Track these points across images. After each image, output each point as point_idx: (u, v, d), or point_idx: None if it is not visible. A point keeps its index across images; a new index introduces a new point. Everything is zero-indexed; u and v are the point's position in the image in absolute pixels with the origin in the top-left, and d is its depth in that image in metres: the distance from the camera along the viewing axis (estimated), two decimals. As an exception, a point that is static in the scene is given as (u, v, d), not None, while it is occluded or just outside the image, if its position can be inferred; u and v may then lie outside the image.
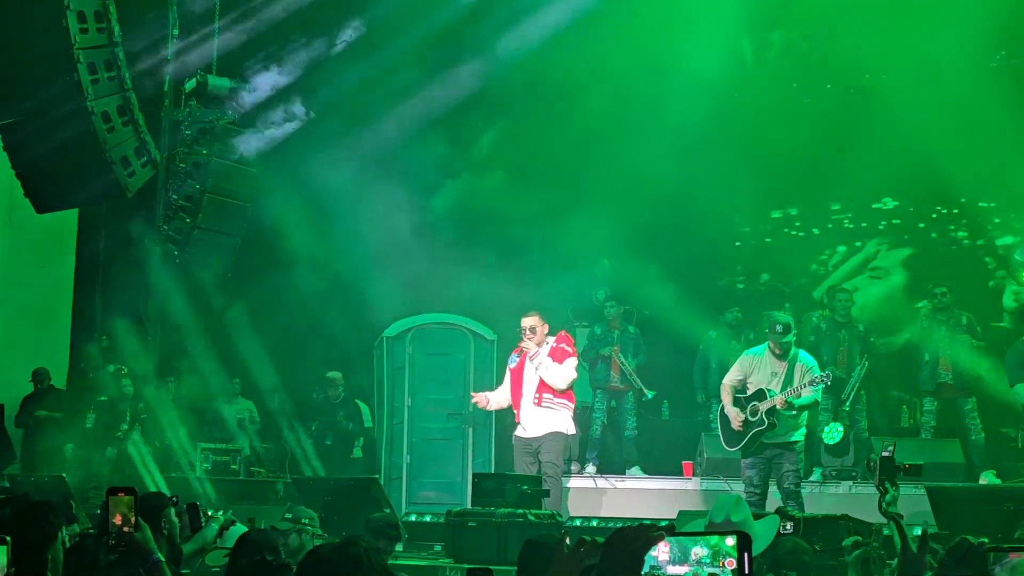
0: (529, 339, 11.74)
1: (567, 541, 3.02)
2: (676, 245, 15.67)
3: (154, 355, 15.21)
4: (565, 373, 11.66)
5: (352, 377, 15.85)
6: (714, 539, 2.71)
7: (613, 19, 15.39)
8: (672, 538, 2.74)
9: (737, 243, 17.07)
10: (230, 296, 15.63)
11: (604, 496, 13.81)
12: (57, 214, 14.71)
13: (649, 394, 14.73)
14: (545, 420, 11.68)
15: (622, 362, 14.63)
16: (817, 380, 11.23)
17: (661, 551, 2.73)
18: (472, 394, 12.60)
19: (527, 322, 11.84)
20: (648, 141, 14.57)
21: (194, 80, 14.45)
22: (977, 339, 13.61)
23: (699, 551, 2.69)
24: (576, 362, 11.92)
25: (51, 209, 13.98)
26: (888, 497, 6.83)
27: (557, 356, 11.69)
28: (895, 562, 6.40)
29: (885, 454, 7.09)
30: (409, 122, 15.53)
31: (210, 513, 8.02)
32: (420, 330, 15.53)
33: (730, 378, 11.83)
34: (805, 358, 11.54)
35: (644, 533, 2.76)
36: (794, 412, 11.30)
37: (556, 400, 11.67)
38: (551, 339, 11.83)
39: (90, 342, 15.50)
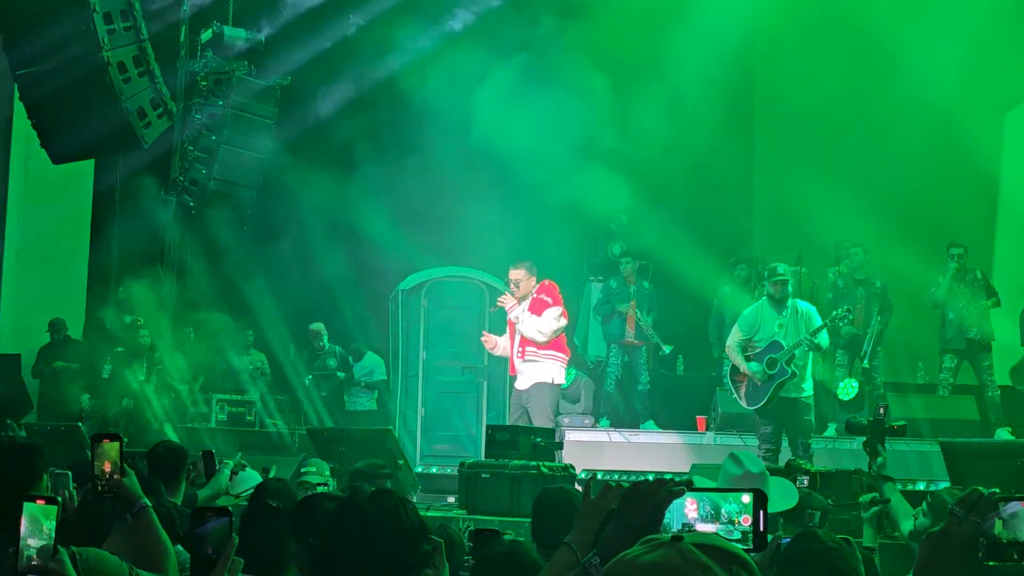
0: (513, 291, 11.64)
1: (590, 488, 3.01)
2: (692, 199, 15.61)
3: (170, 306, 15.24)
4: (543, 325, 11.40)
5: (368, 330, 15.90)
6: (732, 497, 2.68)
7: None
8: (701, 494, 2.71)
9: (753, 199, 17.00)
10: (245, 247, 15.64)
11: (617, 450, 13.82)
12: (73, 164, 14.70)
13: (667, 349, 14.73)
14: (530, 372, 11.59)
15: (639, 317, 14.61)
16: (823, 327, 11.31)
17: (690, 508, 2.70)
18: (484, 332, 12.48)
19: (513, 274, 11.67)
20: (666, 96, 14.49)
21: (210, 31, 14.39)
22: (991, 293, 13.69)
23: (730, 507, 2.66)
24: (559, 311, 11.52)
25: (67, 160, 13.97)
26: (880, 460, 6.83)
27: (536, 308, 11.50)
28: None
29: (878, 416, 7.09)
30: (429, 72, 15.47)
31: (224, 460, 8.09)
32: (435, 283, 15.54)
33: (734, 339, 11.80)
34: (804, 305, 11.60)
35: (663, 487, 2.74)
36: (823, 350, 11.34)
37: (540, 352, 11.52)
38: (535, 288, 11.63)
39: (106, 293, 15.53)
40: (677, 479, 2.86)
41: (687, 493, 2.72)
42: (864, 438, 7.17)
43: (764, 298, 11.78)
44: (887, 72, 15.31)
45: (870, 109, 15.73)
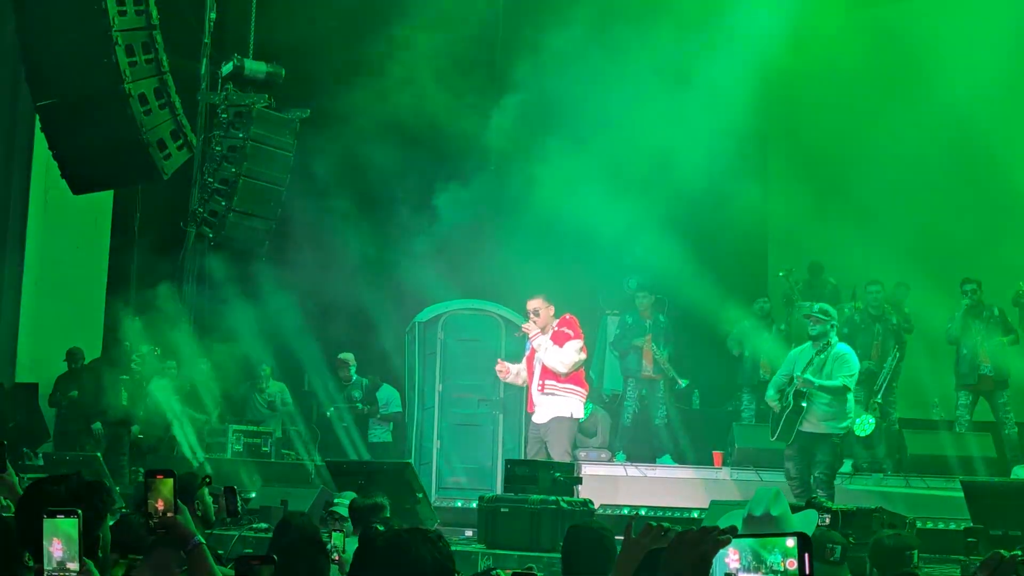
0: (534, 322, 11.70)
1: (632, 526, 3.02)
2: (707, 233, 15.63)
3: (188, 337, 15.26)
4: (565, 356, 11.52)
5: (385, 363, 15.93)
6: (777, 541, 2.68)
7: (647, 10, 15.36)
8: (743, 543, 2.71)
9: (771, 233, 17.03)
10: (265, 279, 15.68)
11: (634, 484, 13.81)
12: (93, 195, 14.77)
13: (683, 383, 14.74)
14: (549, 406, 11.64)
15: (655, 352, 14.62)
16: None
17: (732, 557, 2.71)
18: (499, 360, 12.49)
19: (531, 305, 11.80)
20: (682, 131, 14.53)
21: (231, 64, 14.47)
22: (1009, 330, 13.67)
23: (773, 557, 2.67)
24: (579, 344, 11.67)
25: (87, 190, 14.03)
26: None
27: (558, 339, 11.59)
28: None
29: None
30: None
31: (252, 495, 8.07)
32: (452, 316, 15.53)
33: (778, 377, 11.95)
34: (841, 348, 11.59)
35: (710, 536, 2.74)
36: (827, 397, 11.33)
37: (560, 386, 11.60)
38: (556, 322, 11.73)
39: (124, 323, 15.57)
40: (693, 516, 2.89)
41: (731, 542, 2.73)
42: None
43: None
44: (905, 106, 15.35)
45: (886, 143, 15.75)
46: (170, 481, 3.96)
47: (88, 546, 3.57)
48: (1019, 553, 2.93)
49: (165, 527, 3.96)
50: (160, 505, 3.95)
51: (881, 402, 13.96)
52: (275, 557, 3.47)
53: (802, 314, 11.90)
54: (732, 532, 2.75)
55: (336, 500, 9.12)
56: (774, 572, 2.63)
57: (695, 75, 14.96)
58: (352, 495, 9.02)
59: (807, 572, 2.61)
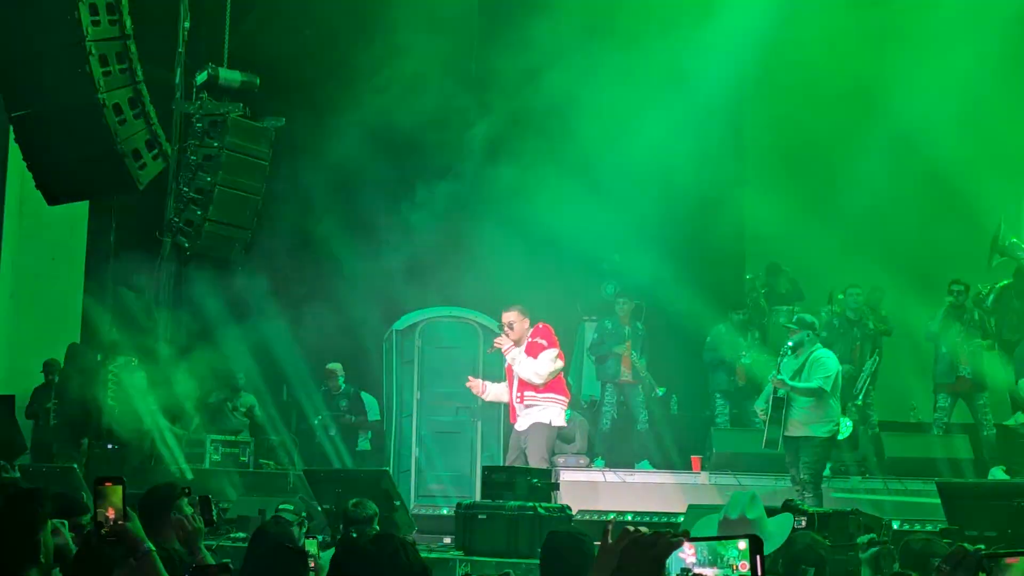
0: (507, 335, 11.65)
1: (610, 529, 3.02)
2: (684, 240, 15.66)
3: (164, 347, 15.21)
4: (539, 367, 11.42)
5: (364, 370, 15.92)
6: (729, 543, 2.71)
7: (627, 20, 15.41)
8: (699, 544, 2.74)
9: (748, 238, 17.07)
10: (241, 289, 15.64)
11: (612, 490, 13.82)
12: (68, 206, 14.70)
13: (660, 391, 14.77)
14: (530, 416, 11.61)
15: (635, 359, 14.64)
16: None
17: (688, 553, 2.73)
18: (469, 378, 12.42)
19: (506, 317, 11.70)
20: (659, 137, 14.56)
21: (205, 73, 14.44)
22: (988, 335, 13.76)
23: (729, 552, 2.70)
24: (554, 353, 11.54)
25: (62, 201, 13.96)
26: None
27: (532, 350, 11.51)
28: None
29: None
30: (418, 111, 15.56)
31: (223, 505, 8.06)
32: (429, 323, 15.55)
33: (767, 390, 12.00)
34: (821, 353, 11.64)
35: (662, 539, 2.76)
36: (808, 401, 11.37)
37: (539, 396, 11.54)
38: (530, 332, 11.66)
39: (101, 334, 15.51)
40: (673, 520, 2.92)
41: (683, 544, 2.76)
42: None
43: None
44: (879, 113, 15.41)
45: (862, 149, 15.80)
46: (119, 488, 3.92)
47: (27, 552, 3.55)
48: (983, 547, 2.96)
49: (115, 535, 3.92)
50: (110, 513, 3.91)
51: (861, 404, 14.02)
52: (229, 565, 3.45)
53: (781, 324, 11.98)
54: (684, 535, 2.77)
55: (281, 506, 9.22)
56: (729, 567, 2.66)
57: (672, 83, 15.01)
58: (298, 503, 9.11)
59: (759, 574, 2.64)
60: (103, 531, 3.92)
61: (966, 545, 2.90)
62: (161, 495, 7.04)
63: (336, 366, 15.91)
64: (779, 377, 11.45)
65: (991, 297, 14.32)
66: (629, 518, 12.00)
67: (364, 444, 15.96)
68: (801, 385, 11.44)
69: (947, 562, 2.86)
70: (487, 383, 12.15)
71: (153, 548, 4.00)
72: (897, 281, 14.85)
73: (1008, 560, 3.02)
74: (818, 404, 11.55)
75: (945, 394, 13.91)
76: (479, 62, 16.54)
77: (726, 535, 2.79)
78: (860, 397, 14.01)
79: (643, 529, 2.95)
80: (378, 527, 8.94)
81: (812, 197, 16.20)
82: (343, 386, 15.87)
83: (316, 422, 15.77)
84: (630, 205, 14.78)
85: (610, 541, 2.94)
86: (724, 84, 15.07)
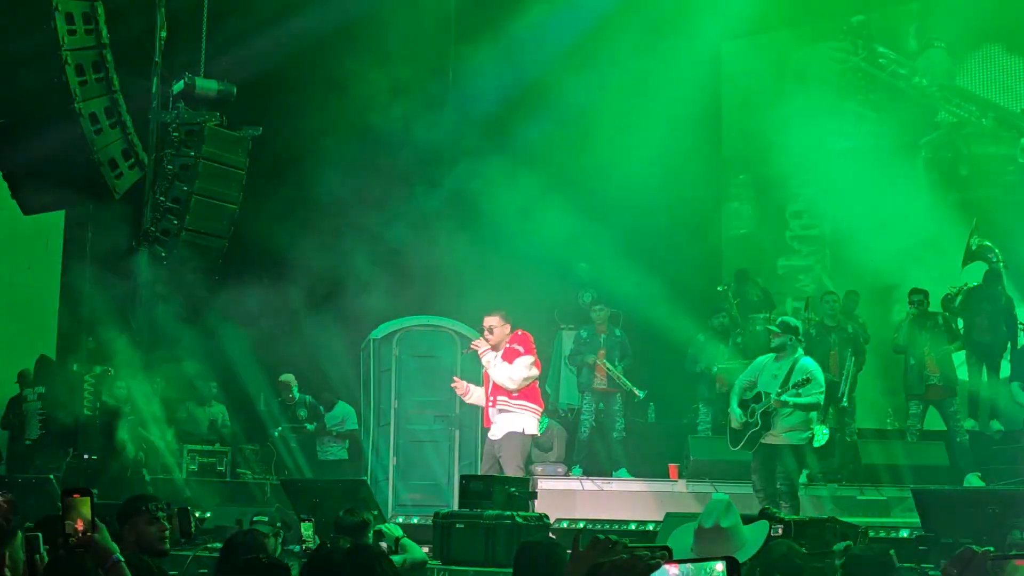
0: (487, 338, 11.65)
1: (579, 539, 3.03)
2: (664, 246, 15.73)
3: (141, 356, 15.18)
4: (513, 373, 11.36)
5: (341, 380, 15.91)
6: (708, 565, 2.71)
7: (606, 31, 15.47)
8: (679, 561, 2.74)
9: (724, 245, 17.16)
10: (217, 297, 15.62)
11: (590, 498, 13.81)
12: (44, 215, 14.69)
13: (640, 394, 14.73)
14: (503, 423, 11.56)
15: (608, 368, 14.62)
16: (800, 383, 11.29)
17: (671, 570, 2.74)
18: (455, 378, 12.40)
19: (487, 321, 11.65)
20: (638, 145, 14.62)
21: (182, 82, 14.43)
22: (955, 337, 13.85)
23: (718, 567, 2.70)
24: (530, 360, 11.45)
25: (38, 210, 13.97)
26: None
27: (508, 356, 11.45)
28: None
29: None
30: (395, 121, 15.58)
31: (207, 515, 8.04)
32: (406, 332, 15.51)
33: (740, 380, 11.92)
34: (807, 363, 11.56)
35: (639, 563, 2.76)
36: (789, 409, 11.34)
37: (512, 402, 11.48)
38: (508, 338, 11.58)
39: (76, 343, 15.47)
40: (650, 528, 2.92)
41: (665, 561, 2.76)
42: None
43: None
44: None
45: (835, 161, 15.90)
46: (87, 500, 3.93)
47: None
48: (991, 549, 2.97)
49: (83, 546, 3.92)
50: (79, 525, 3.91)
51: (847, 406, 14.08)
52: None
53: (763, 327, 11.95)
54: (663, 559, 2.77)
55: (255, 518, 9.21)
56: None
57: (650, 91, 15.08)
58: (273, 515, 9.10)
59: None
60: (71, 542, 3.92)
61: (974, 547, 2.91)
62: (131, 507, 7.03)
63: (288, 377, 15.95)
64: (783, 399, 11.30)
65: (959, 299, 14.36)
66: (581, 526, 11.99)
67: (341, 453, 15.94)
68: (803, 401, 11.39)
69: (954, 564, 2.87)
70: (471, 385, 12.13)
71: (122, 558, 4.00)
72: (869, 290, 14.95)
73: (1018, 563, 3.03)
74: (799, 413, 11.53)
75: (917, 401, 13.96)
76: (456, 74, 16.57)
77: (703, 557, 2.79)
78: (844, 399, 14.06)
79: (612, 538, 2.96)
80: (371, 536, 8.90)
81: (785, 204, 16.35)
82: (297, 395, 15.92)
83: (276, 434, 15.78)
84: (608, 213, 14.83)
85: (580, 549, 2.95)
86: (700, 88, 15.15)
